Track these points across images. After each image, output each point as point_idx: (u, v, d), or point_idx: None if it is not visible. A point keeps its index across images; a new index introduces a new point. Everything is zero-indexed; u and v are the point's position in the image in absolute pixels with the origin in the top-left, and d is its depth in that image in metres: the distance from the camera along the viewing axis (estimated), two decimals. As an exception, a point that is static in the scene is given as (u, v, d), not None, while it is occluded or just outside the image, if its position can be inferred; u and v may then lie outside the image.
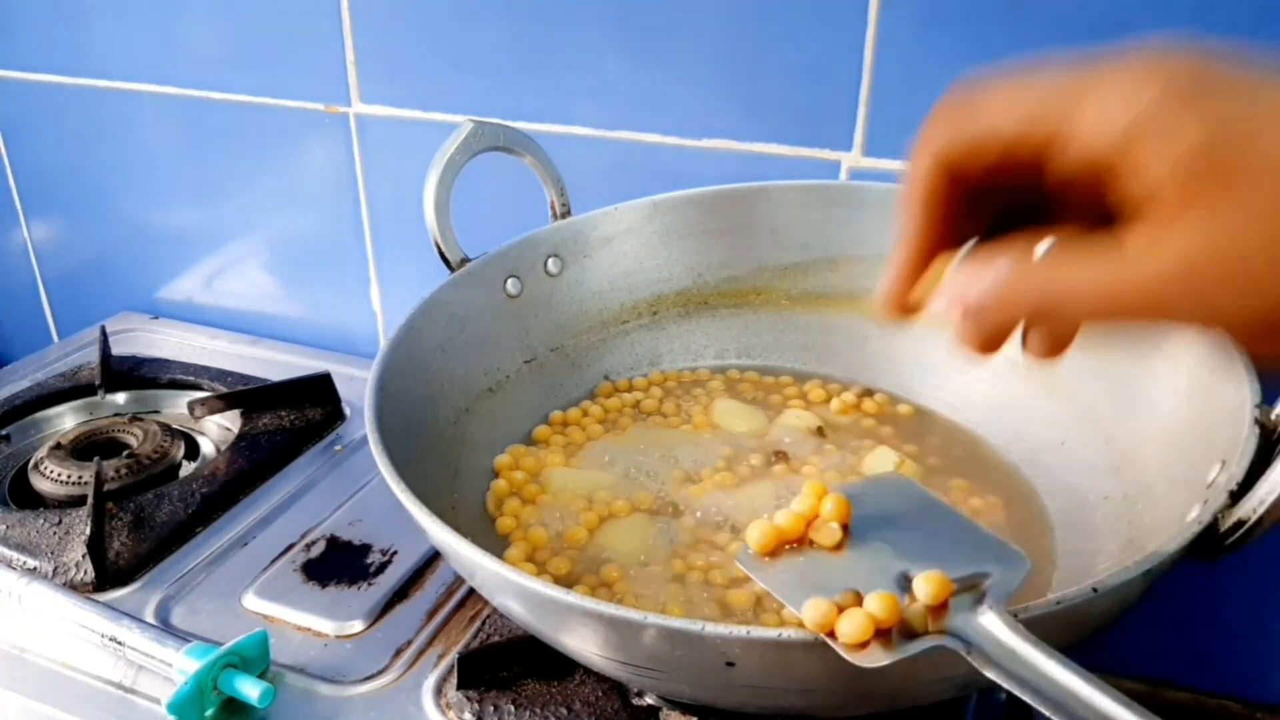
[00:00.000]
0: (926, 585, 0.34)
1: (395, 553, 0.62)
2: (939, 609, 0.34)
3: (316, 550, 0.62)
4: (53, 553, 0.61)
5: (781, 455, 0.58)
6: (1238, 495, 0.38)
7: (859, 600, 0.35)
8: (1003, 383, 0.60)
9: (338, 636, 0.56)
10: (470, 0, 0.73)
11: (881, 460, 0.57)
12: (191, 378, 0.82)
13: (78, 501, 0.66)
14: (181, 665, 0.51)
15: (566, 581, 0.50)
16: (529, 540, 0.53)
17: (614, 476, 0.57)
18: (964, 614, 0.34)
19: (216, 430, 0.78)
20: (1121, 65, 0.27)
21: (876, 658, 0.33)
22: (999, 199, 0.32)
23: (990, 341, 0.30)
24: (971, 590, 0.34)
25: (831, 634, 0.34)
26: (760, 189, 0.65)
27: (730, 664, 0.36)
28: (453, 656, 0.53)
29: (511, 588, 0.39)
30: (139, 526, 0.64)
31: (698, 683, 0.40)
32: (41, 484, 0.69)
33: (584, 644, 0.40)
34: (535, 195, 0.64)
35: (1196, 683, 0.70)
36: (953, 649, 0.33)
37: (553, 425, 0.62)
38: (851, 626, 0.33)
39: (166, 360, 0.85)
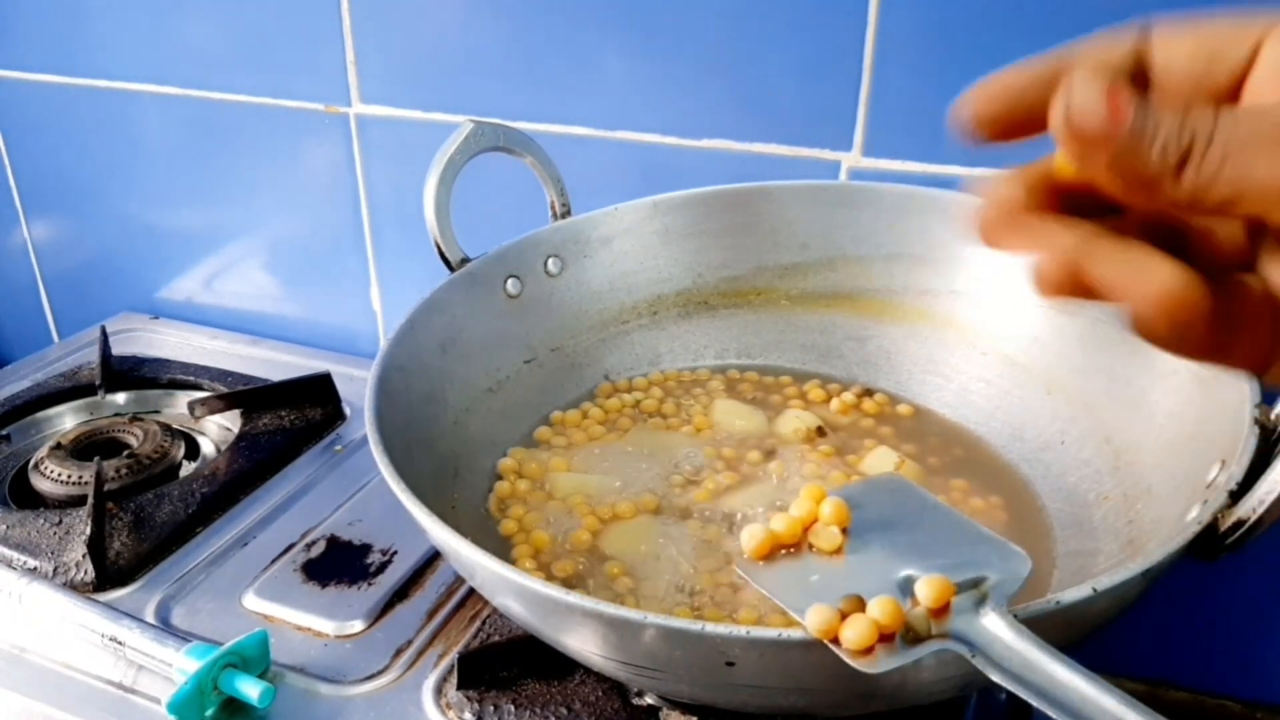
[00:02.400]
0: (928, 589, 0.35)
1: (395, 553, 0.62)
2: (941, 611, 0.34)
3: (316, 550, 0.62)
4: (53, 553, 0.61)
5: (781, 455, 0.58)
6: (1237, 495, 0.38)
7: (861, 606, 0.35)
8: (1002, 382, 0.60)
9: (338, 636, 0.56)
10: (470, 0, 0.73)
11: (881, 460, 0.57)
12: (192, 378, 0.82)
13: (78, 501, 0.66)
14: (181, 665, 0.51)
15: (571, 584, 0.50)
16: (532, 543, 0.53)
17: (616, 479, 0.57)
18: (966, 616, 0.34)
19: (216, 430, 0.78)
20: None
21: (881, 663, 0.33)
22: None
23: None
24: (973, 591, 0.34)
25: (835, 640, 0.34)
26: (760, 189, 0.65)
27: (730, 664, 0.36)
28: (453, 656, 0.53)
29: (511, 587, 0.39)
30: (139, 526, 0.64)
31: (698, 683, 0.40)
32: (42, 484, 0.69)
33: (584, 644, 0.40)
34: (535, 195, 0.64)
35: (1196, 682, 0.70)
36: (956, 652, 0.33)
37: (553, 426, 0.62)
38: (855, 633, 0.33)
39: (167, 360, 0.85)
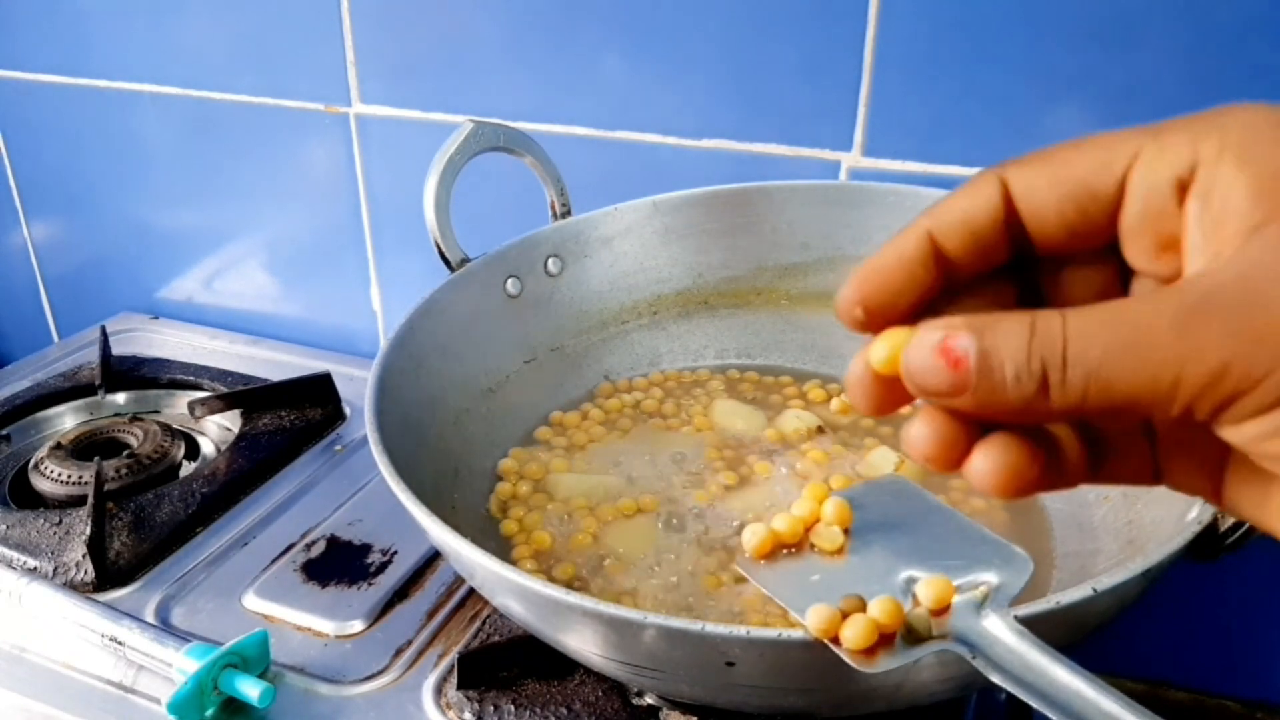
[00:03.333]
0: (929, 589, 0.34)
1: (395, 553, 0.62)
2: (942, 612, 0.34)
3: (316, 550, 0.62)
4: (53, 553, 0.61)
5: (782, 455, 0.58)
6: (1238, 496, 0.38)
7: (862, 606, 0.35)
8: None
9: (338, 636, 0.56)
10: (470, 0, 0.73)
11: (882, 460, 0.57)
12: (192, 378, 0.82)
13: (78, 501, 0.66)
14: (181, 665, 0.51)
15: (571, 584, 0.50)
16: (532, 544, 0.53)
17: (617, 479, 0.57)
18: (967, 617, 0.34)
19: (217, 430, 0.78)
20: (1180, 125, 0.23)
21: (881, 663, 0.33)
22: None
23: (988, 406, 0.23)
24: (974, 593, 0.34)
25: (835, 640, 0.34)
26: (760, 189, 0.65)
27: (730, 664, 0.36)
28: (453, 656, 0.53)
29: (511, 587, 0.39)
30: (139, 526, 0.64)
31: (698, 682, 0.40)
32: (42, 484, 0.69)
33: (584, 644, 0.40)
34: (535, 195, 0.64)
35: (1196, 682, 0.70)
36: (957, 653, 0.33)
37: (554, 427, 0.62)
38: (855, 633, 0.33)
39: (167, 360, 0.85)
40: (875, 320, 0.26)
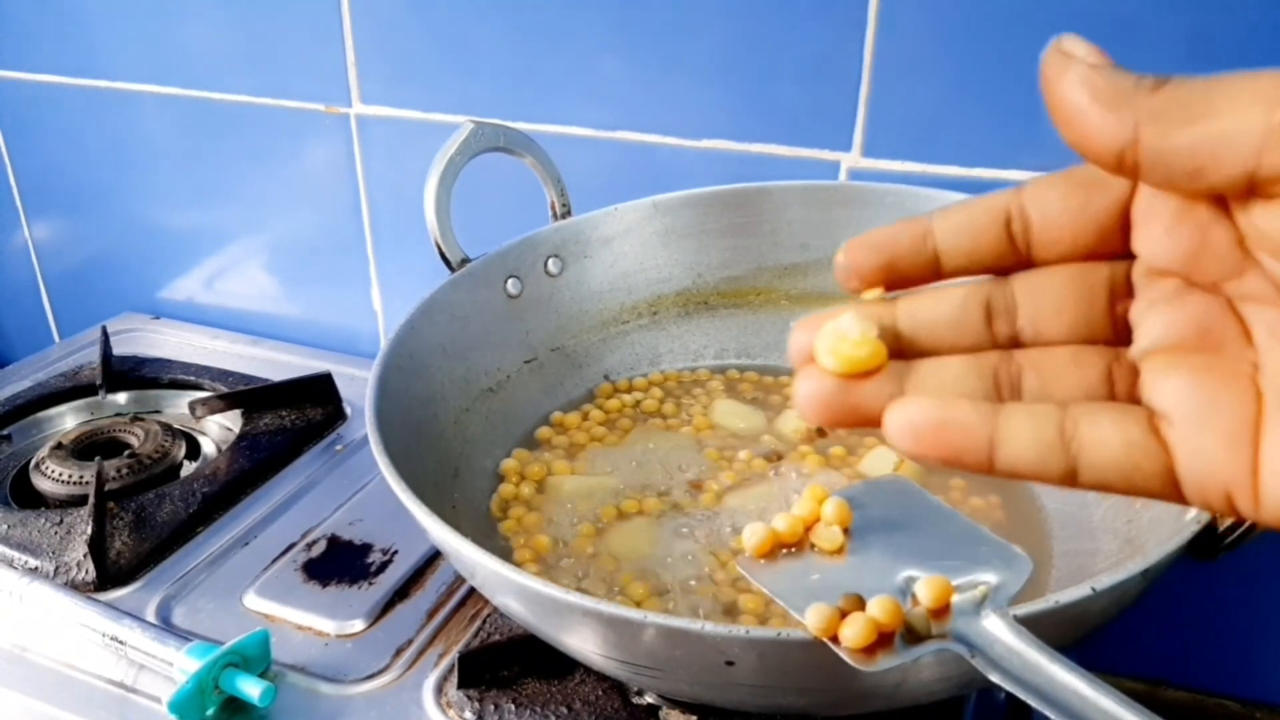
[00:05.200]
0: (928, 589, 0.35)
1: (395, 552, 0.62)
2: (941, 612, 0.34)
3: (317, 550, 0.63)
4: (54, 552, 0.61)
5: (781, 456, 0.58)
6: (1237, 495, 0.38)
7: (861, 605, 0.35)
8: (1002, 382, 0.60)
9: (338, 636, 0.56)
10: (470, 0, 0.73)
11: (881, 460, 0.57)
12: (193, 378, 0.82)
13: (79, 501, 0.66)
14: (182, 664, 0.51)
15: (573, 585, 0.50)
16: (533, 545, 0.53)
17: (618, 480, 0.57)
18: (967, 617, 0.34)
19: (217, 430, 0.78)
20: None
21: (880, 663, 0.33)
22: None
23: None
24: (974, 593, 0.35)
25: (834, 639, 0.34)
26: (760, 189, 0.65)
27: (730, 663, 0.36)
28: (453, 656, 0.53)
29: (512, 587, 0.39)
30: (140, 526, 0.64)
31: (698, 682, 0.40)
32: (43, 484, 0.69)
33: (584, 643, 0.40)
34: (535, 195, 0.64)
35: (1195, 682, 0.70)
36: (956, 653, 0.33)
37: (554, 427, 0.62)
38: (854, 632, 0.34)
39: (168, 360, 0.85)
40: (860, 279, 0.28)
